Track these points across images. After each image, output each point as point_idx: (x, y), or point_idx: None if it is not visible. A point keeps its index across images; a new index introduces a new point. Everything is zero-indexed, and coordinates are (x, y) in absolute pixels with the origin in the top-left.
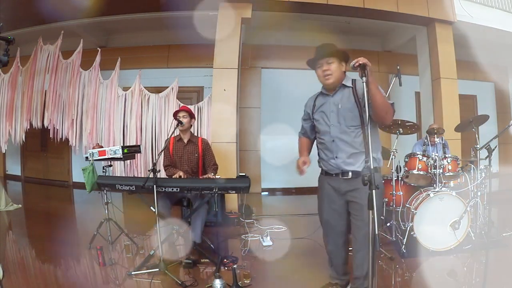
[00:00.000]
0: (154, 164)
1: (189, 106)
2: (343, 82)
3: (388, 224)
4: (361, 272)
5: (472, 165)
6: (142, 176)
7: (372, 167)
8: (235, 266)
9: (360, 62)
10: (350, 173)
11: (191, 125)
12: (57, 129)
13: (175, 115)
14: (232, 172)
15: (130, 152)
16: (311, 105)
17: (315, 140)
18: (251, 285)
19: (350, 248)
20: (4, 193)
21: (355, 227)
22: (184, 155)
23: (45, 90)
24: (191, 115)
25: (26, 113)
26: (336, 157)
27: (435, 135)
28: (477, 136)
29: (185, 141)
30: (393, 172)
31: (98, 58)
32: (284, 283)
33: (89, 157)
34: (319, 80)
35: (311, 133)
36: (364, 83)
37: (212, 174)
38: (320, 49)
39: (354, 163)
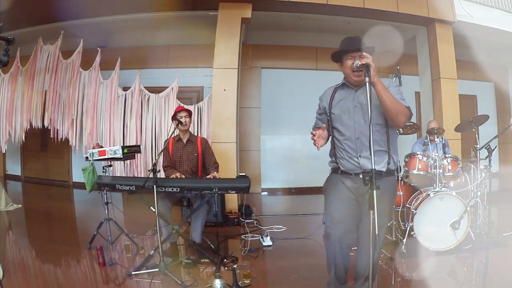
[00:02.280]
0: (154, 164)
1: (189, 106)
2: None
3: (388, 224)
4: (363, 273)
5: (472, 165)
6: (142, 176)
7: (371, 168)
8: (235, 266)
9: (364, 62)
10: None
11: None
12: (57, 129)
13: (174, 116)
14: (232, 172)
15: (130, 152)
16: (328, 99)
17: (330, 139)
18: (251, 285)
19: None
20: (4, 193)
21: (365, 230)
22: (184, 155)
23: (45, 90)
24: (191, 115)
25: (26, 113)
26: (360, 155)
27: (435, 135)
28: (477, 136)
29: (184, 141)
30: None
31: (98, 58)
32: (284, 283)
33: (89, 157)
34: (346, 72)
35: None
36: (368, 83)
37: (216, 172)
38: (354, 41)
39: (379, 162)
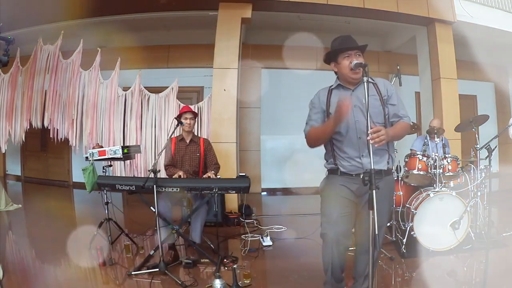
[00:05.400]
0: (154, 164)
1: (189, 106)
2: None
3: (388, 224)
4: (363, 273)
5: (472, 165)
6: (142, 176)
7: (368, 167)
8: (235, 266)
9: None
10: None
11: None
12: (57, 129)
13: (180, 116)
14: (232, 172)
15: (130, 152)
16: (325, 100)
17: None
18: (251, 285)
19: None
20: (4, 193)
21: (364, 229)
22: (186, 155)
23: (45, 90)
24: (195, 117)
25: (26, 113)
26: (363, 155)
27: (435, 135)
28: (477, 136)
29: (187, 141)
30: (393, 172)
31: (98, 58)
32: (284, 283)
33: (89, 157)
34: (342, 71)
35: None
36: (365, 82)
37: (213, 172)
38: (349, 40)
39: (381, 161)
